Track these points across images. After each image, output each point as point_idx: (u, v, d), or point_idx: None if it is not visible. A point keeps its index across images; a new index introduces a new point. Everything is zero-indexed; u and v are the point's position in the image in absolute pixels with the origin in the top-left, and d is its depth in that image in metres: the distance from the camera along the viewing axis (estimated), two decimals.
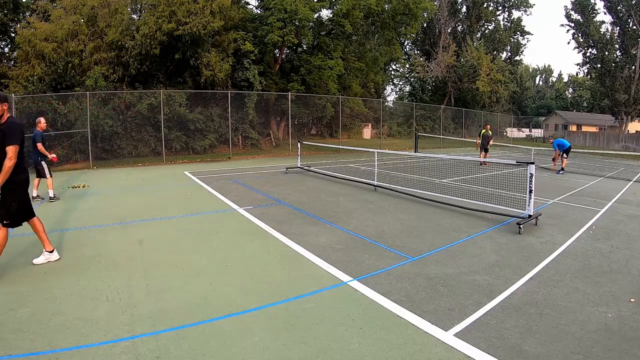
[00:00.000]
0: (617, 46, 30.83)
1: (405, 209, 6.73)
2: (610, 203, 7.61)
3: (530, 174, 5.51)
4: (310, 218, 6.03)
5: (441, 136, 26.57)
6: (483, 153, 14.70)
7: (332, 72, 18.99)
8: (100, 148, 13.98)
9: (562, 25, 33.27)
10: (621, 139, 29.84)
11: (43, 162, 7.15)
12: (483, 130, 14.89)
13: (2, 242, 3.64)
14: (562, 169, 12.60)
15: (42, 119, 7.31)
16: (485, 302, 3.26)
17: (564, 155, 12.72)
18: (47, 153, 7.15)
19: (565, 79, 65.44)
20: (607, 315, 3.07)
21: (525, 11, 37.79)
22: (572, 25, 32.36)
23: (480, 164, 13.90)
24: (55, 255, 4.12)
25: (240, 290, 3.49)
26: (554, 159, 13.61)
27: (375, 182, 8.65)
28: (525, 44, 40.36)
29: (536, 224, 5.72)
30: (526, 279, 3.75)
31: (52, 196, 7.19)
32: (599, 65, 31.47)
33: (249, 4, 20.96)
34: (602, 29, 31.49)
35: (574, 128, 41.94)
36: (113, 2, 14.87)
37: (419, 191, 7.94)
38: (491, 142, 15.31)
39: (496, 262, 4.21)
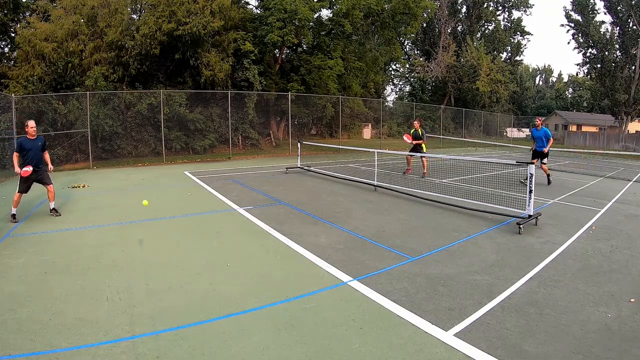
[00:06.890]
0: (617, 46, 30.81)
1: (405, 209, 6.73)
2: (610, 203, 7.60)
3: (530, 174, 5.51)
4: (310, 218, 6.03)
5: (441, 136, 26.54)
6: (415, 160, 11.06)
7: (332, 72, 18.97)
8: (100, 148, 13.98)
9: (562, 25, 33.26)
10: (621, 139, 29.80)
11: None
12: (412, 129, 10.68)
13: None
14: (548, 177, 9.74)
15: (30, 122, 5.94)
16: (485, 302, 3.26)
17: (544, 160, 9.47)
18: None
19: (565, 79, 65.42)
20: (607, 315, 3.07)
21: (525, 11, 37.86)
22: (572, 25, 32.33)
23: (404, 173, 10.99)
24: None
25: (240, 290, 3.48)
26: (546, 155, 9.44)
27: (375, 182, 8.64)
28: (525, 44, 40.37)
29: (536, 224, 5.72)
30: (526, 279, 3.74)
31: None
32: (599, 66, 31.45)
33: (249, 4, 20.94)
34: (602, 29, 31.49)
35: (574, 128, 41.87)
36: (113, 2, 14.88)
37: (419, 191, 7.94)
38: (418, 142, 10.45)
39: (496, 262, 4.21)
